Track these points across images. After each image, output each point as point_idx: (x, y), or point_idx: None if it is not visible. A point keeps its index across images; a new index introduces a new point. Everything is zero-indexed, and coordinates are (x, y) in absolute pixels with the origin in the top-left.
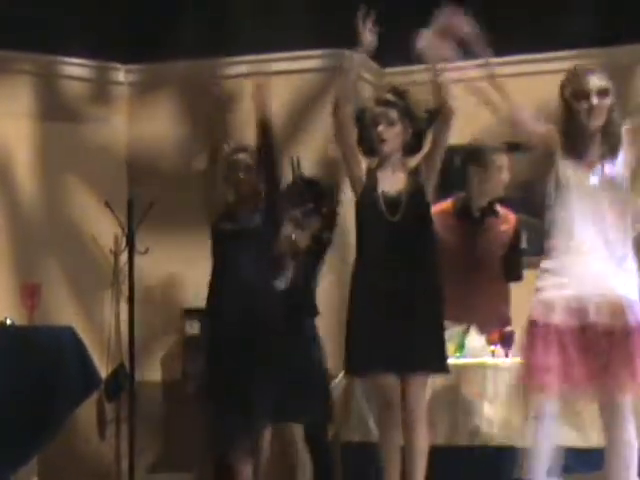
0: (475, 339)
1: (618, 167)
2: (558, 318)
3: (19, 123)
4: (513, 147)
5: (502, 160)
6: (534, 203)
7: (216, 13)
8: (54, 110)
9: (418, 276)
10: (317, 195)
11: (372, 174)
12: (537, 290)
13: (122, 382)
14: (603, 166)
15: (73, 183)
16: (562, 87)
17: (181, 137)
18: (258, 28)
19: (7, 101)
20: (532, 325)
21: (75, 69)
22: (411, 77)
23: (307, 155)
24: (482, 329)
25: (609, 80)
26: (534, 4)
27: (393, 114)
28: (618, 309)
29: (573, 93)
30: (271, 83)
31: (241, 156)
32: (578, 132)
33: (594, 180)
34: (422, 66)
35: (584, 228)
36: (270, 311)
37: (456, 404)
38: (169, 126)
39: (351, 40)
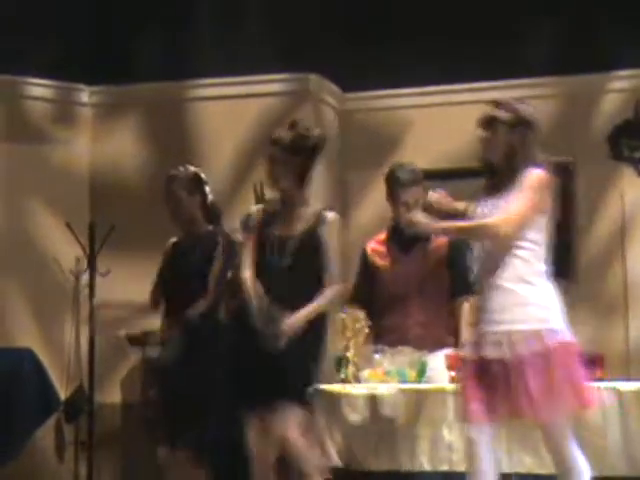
0: (436, 365)
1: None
2: (467, 352)
3: None
4: (476, 172)
5: (407, 196)
6: None
7: (181, 36)
8: (16, 131)
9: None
10: None
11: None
12: None
13: (81, 404)
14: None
15: (35, 204)
16: None
17: (144, 159)
18: (224, 51)
19: None
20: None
21: (38, 90)
22: (372, 102)
23: None
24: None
25: (510, 113)
26: (492, 32)
27: (278, 152)
28: (510, 341)
29: None
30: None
31: (171, 187)
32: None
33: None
34: (383, 92)
35: (484, 266)
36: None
37: (417, 430)
38: (132, 148)
39: (315, 63)
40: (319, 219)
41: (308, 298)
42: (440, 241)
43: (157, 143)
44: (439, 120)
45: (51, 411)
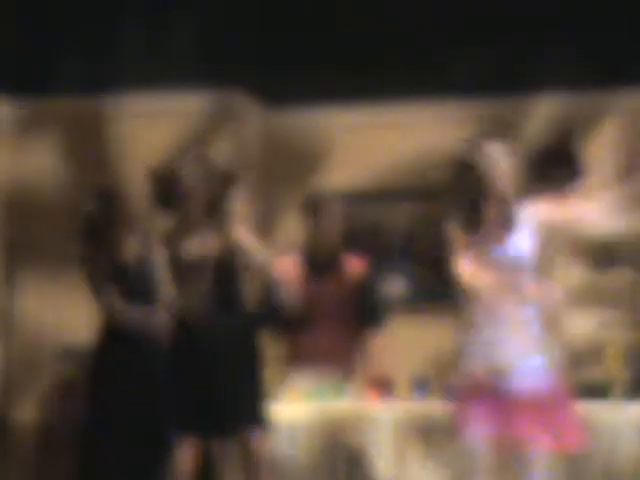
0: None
1: None
2: None
3: None
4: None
5: (334, 209)
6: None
7: (102, 51)
8: None
9: None
10: None
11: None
12: None
13: None
14: None
15: None
16: None
17: (64, 177)
18: (146, 66)
19: None
20: None
21: None
22: (297, 120)
23: None
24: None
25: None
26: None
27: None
28: None
29: None
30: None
31: None
32: None
33: None
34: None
35: None
36: None
37: None
38: (52, 165)
39: (239, 78)
40: None
41: None
42: (355, 270)
43: (76, 159)
44: (363, 139)
45: None
